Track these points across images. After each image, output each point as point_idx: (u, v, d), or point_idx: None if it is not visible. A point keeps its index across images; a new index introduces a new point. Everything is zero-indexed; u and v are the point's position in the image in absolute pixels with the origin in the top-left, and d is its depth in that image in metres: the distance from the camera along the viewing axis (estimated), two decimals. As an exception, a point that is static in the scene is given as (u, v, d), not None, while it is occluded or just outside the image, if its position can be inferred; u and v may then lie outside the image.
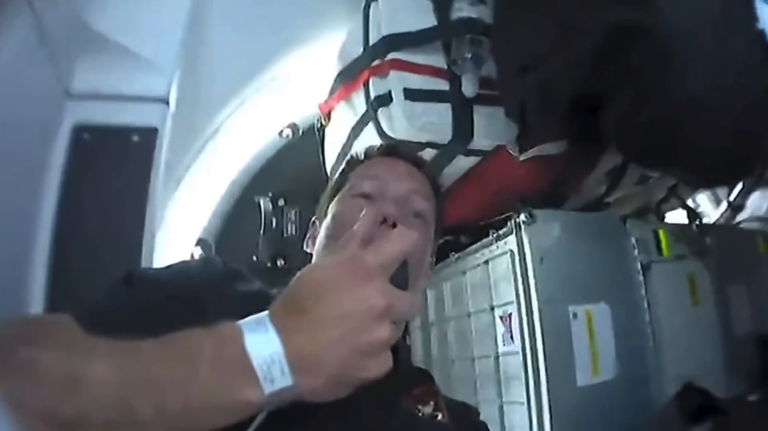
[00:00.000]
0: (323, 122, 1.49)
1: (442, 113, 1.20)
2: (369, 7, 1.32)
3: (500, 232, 1.28)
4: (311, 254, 0.89)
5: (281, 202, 1.73)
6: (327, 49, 1.46)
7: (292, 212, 1.73)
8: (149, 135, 0.95)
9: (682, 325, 1.22)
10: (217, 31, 1.32)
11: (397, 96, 1.18)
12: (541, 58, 1.03)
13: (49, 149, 0.95)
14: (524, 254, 1.17)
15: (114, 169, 0.93)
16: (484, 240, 1.34)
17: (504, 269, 1.24)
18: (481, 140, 1.23)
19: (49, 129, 0.98)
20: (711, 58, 0.94)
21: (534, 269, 1.15)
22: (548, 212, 1.20)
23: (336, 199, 0.88)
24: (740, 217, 1.50)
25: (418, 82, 1.20)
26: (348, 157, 0.98)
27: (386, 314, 0.50)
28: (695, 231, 1.33)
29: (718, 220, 1.58)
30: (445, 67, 1.23)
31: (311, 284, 0.51)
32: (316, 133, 1.55)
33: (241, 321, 0.49)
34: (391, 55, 1.21)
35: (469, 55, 1.21)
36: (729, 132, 0.98)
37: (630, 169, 1.41)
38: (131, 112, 1.00)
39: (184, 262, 0.77)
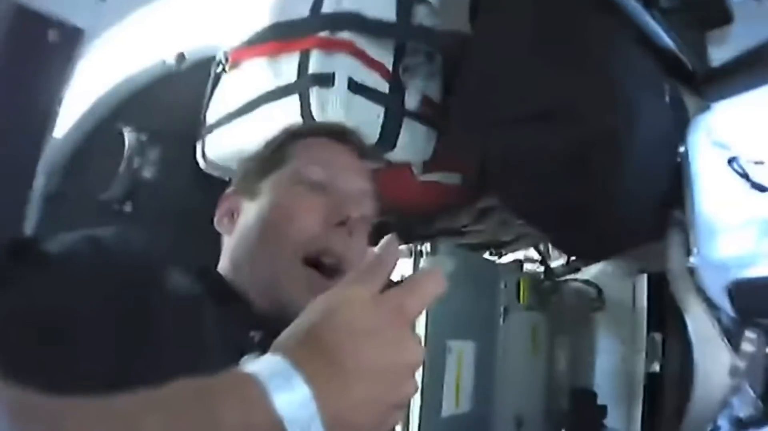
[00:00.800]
0: (224, 68, 1.31)
1: (375, 114, 1.13)
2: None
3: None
4: (221, 236, 0.79)
5: (143, 137, 1.48)
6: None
7: (155, 152, 1.49)
8: (71, 36, 0.72)
9: (522, 370, 1.34)
10: None
11: (341, 82, 1.08)
12: (519, 121, 1.04)
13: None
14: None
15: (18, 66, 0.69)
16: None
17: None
18: (399, 152, 1.19)
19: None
20: (648, 171, 1.03)
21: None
22: (450, 246, 1.22)
23: (272, 179, 0.77)
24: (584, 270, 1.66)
25: (363, 75, 1.11)
26: (285, 128, 0.86)
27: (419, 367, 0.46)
28: (547, 285, 1.47)
29: (560, 267, 1.74)
30: (391, 69, 1.16)
31: (346, 327, 0.42)
32: (210, 73, 1.36)
33: (261, 371, 0.39)
34: (346, 35, 1.10)
35: (421, 68, 1.16)
36: (628, 225, 1.09)
37: (497, 212, 1.51)
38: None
39: (92, 235, 0.60)
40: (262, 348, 0.45)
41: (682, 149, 1.08)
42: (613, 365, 1.50)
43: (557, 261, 1.72)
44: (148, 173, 1.48)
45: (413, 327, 0.54)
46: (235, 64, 1.27)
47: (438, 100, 1.24)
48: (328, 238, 0.71)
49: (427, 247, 1.17)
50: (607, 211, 1.05)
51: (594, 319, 1.55)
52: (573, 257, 1.54)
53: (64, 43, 0.72)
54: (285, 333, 0.43)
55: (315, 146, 0.81)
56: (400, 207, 1.32)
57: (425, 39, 1.17)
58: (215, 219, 0.81)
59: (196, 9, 1.45)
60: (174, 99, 1.49)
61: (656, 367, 1.43)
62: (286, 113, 1.10)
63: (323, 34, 1.11)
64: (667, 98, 1.12)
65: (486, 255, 1.63)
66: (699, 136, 1.07)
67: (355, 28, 1.11)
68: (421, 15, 1.19)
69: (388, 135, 1.16)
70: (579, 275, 1.64)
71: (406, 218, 1.36)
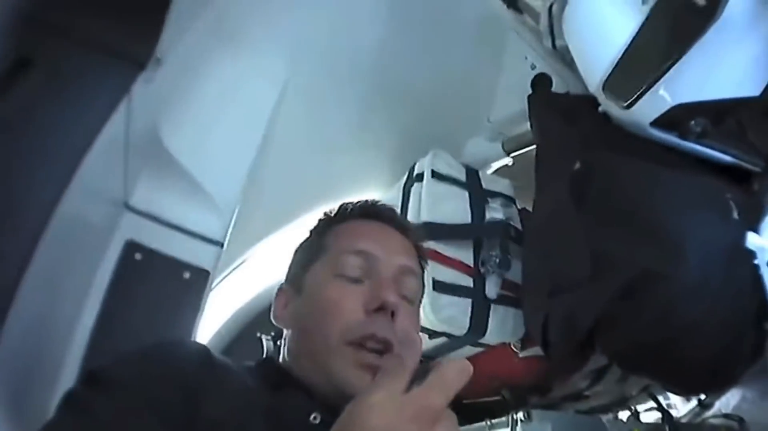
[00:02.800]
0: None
1: (464, 307, 1.27)
2: (411, 184, 1.44)
3: (493, 421, 1.30)
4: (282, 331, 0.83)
5: (279, 342, 1.72)
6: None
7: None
8: (201, 276, 1.00)
9: None
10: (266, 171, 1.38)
11: (427, 287, 1.21)
12: (574, 285, 1.11)
13: (101, 256, 0.98)
14: (517, 450, 1.18)
15: (161, 299, 0.96)
16: (475, 425, 1.35)
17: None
18: (492, 337, 1.29)
19: (103, 236, 1.01)
20: (716, 293, 1.01)
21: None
22: (543, 412, 1.23)
23: (312, 272, 0.81)
24: (708, 413, 1.51)
25: (446, 274, 1.28)
26: (322, 215, 0.91)
27: None
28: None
29: (685, 416, 1.59)
30: (472, 263, 1.32)
31: (372, 426, 0.47)
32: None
33: None
34: (426, 244, 1.30)
35: (497, 259, 1.31)
36: (720, 351, 1.04)
37: (612, 369, 1.47)
38: (187, 247, 1.05)
39: (148, 347, 0.69)
40: (325, 428, 0.51)
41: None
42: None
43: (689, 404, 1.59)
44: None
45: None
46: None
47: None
48: (369, 325, 0.73)
49: (522, 415, 1.19)
50: (690, 341, 1.02)
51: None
52: (702, 396, 1.43)
53: (194, 282, 0.98)
54: None
55: (351, 232, 0.83)
56: (509, 384, 1.38)
57: (499, 232, 1.33)
58: (272, 314, 0.85)
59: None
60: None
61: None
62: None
63: None
64: (734, 212, 1.10)
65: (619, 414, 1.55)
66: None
67: (433, 235, 1.29)
68: (493, 210, 1.37)
69: (478, 324, 1.27)
70: (715, 411, 1.49)
71: (519, 391, 1.39)
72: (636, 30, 1.06)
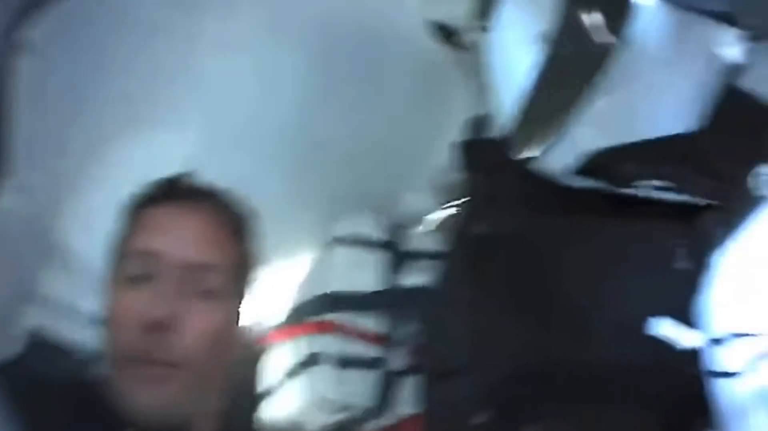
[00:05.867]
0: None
1: (372, 380, 1.21)
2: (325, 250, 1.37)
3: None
4: None
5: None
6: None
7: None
8: None
9: None
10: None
11: (327, 361, 1.20)
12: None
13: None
14: None
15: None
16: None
17: None
18: (402, 409, 1.22)
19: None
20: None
21: None
22: None
23: (112, 276, 0.73)
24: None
25: (353, 347, 1.22)
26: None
27: None
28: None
29: None
30: (383, 333, 1.25)
31: None
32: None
33: None
34: (330, 316, 1.25)
35: (408, 328, 1.24)
36: None
37: None
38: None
39: None
40: None
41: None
42: None
43: None
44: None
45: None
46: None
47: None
48: (145, 344, 0.66)
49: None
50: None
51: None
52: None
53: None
54: None
55: (136, 225, 0.74)
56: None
57: (413, 300, 1.26)
58: None
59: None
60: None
61: None
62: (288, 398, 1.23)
63: (314, 318, 1.26)
64: (680, 260, 1.01)
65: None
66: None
67: (339, 307, 1.24)
68: (413, 274, 1.30)
69: (387, 396, 1.23)
70: None
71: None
72: (539, 73, 0.99)
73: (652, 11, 0.92)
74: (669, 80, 0.94)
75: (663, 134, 0.94)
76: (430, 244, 1.35)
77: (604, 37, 0.89)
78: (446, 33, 1.25)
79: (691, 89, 0.93)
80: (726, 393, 0.92)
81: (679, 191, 1.00)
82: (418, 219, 1.57)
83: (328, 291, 1.28)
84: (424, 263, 1.35)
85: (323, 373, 1.21)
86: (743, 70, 0.94)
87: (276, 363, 1.28)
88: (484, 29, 1.06)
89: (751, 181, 0.96)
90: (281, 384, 1.28)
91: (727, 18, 0.91)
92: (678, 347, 0.96)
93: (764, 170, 0.97)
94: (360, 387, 1.21)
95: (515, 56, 1.02)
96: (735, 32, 0.91)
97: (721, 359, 0.92)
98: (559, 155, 0.98)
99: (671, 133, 0.93)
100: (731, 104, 0.94)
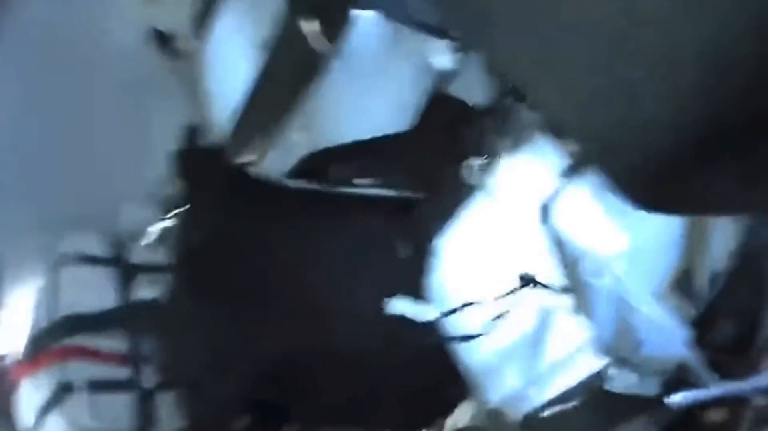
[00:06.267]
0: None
1: (125, 403, 1.17)
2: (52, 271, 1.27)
3: None
4: None
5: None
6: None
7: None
8: None
9: None
10: None
11: (79, 389, 1.14)
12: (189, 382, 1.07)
13: None
14: None
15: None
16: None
17: None
18: (168, 425, 1.20)
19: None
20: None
21: None
22: None
23: None
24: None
25: (99, 371, 1.17)
26: None
27: None
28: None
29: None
30: (126, 352, 1.21)
31: None
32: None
33: None
34: (70, 341, 1.17)
35: (148, 344, 1.21)
36: None
37: None
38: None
39: None
40: None
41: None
42: None
43: None
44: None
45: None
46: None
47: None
48: None
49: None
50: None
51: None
52: None
53: None
54: None
55: None
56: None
57: (148, 311, 1.24)
58: None
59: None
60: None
61: None
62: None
63: (55, 346, 1.17)
64: (400, 250, 1.11)
65: None
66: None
67: (76, 330, 1.17)
68: (144, 287, 1.26)
69: (147, 415, 1.19)
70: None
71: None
72: (256, 77, 0.98)
73: (369, 21, 0.98)
74: (382, 86, 0.99)
75: (375, 134, 0.99)
76: (156, 256, 1.31)
77: (320, 44, 0.92)
78: (163, 40, 1.19)
79: (402, 94, 0.99)
80: (472, 356, 1.04)
81: (391, 186, 1.09)
82: (141, 232, 1.50)
83: (61, 315, 1.20)
84: (153, 275, 1.31)
85: (77, 403, 1.15)
86: (451, 77, 1.05)
87: (26, 402, 1.16)
88: (201, 36, 1.04)
89: (461, 172, 1.09)
90: (38, 424, 1.14)
91: (438, 31, 0.99)
92: (416, 322, 1.05)
93: (472, 163, 1.10)
94: (117, 411, 1.18)
95: (233, 63, 1.01)
96: (445, 43, 1.00)
97: (458, 326, 1.04)
98: (276, 159, 1.01)
99: (382, 134, 1.00)
100: (440, 107, 1.04)
